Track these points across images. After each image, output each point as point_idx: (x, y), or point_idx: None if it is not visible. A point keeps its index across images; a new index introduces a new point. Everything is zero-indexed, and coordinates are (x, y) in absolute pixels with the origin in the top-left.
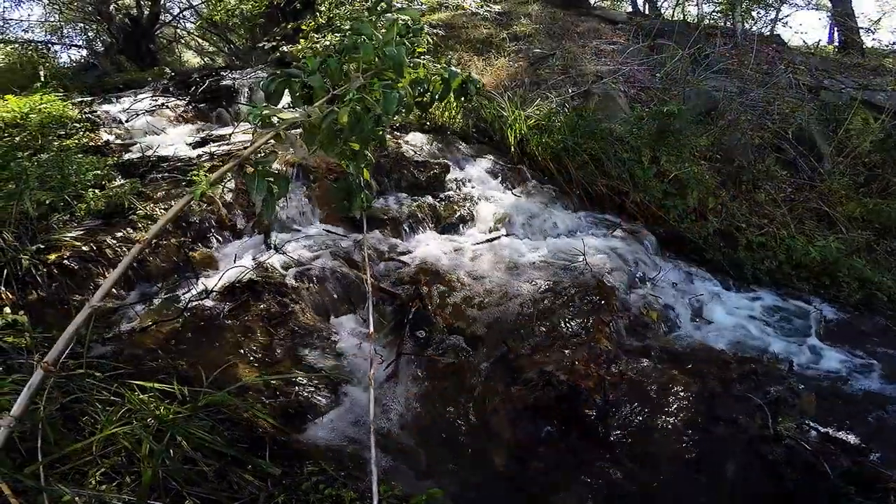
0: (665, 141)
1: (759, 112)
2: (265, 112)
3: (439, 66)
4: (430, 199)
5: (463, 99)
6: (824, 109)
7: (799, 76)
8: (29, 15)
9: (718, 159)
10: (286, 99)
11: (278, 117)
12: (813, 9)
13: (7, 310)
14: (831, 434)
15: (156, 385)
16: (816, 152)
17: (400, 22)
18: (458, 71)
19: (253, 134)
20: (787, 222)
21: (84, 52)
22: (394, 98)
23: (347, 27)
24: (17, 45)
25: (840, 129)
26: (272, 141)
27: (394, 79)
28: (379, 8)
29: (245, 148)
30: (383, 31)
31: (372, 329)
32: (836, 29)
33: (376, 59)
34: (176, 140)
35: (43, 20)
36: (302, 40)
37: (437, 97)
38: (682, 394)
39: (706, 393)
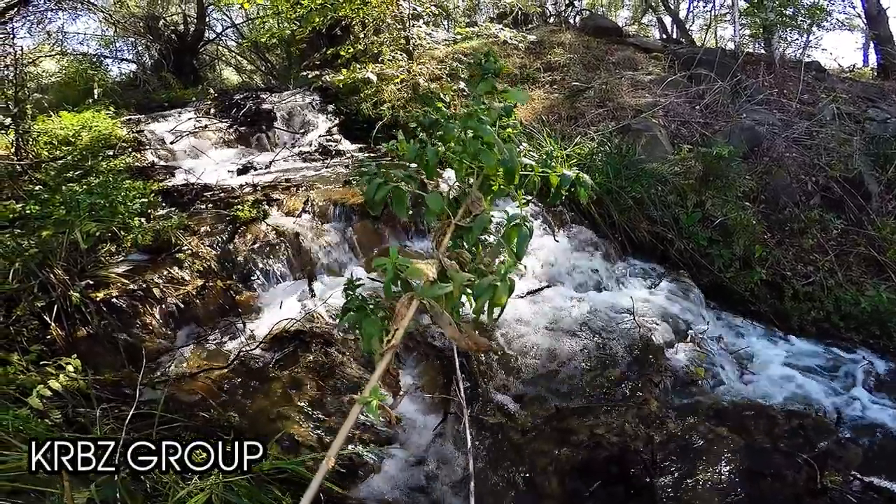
0: (712, 184)
1: (803, 148)
2: (398, 263)
3: (540, 158)
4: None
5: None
6: (871, 143)
7: (841, 106)
8: (85, 29)
9: (763, 200)
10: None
11: (417, 282)
12: (846, 30)
13: (70, 368)
14: (875, 483)
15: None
16: (864, 191)
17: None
18: (570, 174)
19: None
20: (834, 269)
21: (133, 67)
22: (526, 236)
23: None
24: (72, 58)
25: (889, 165)
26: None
27: (501, 184)
28: (479, 88)
29: (287, 181)
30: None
31: (470, 444)
32: (869, 50)
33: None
34: (218, 165)
35: (98, 34)
36: (343, 70)
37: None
38: (728, 450)
39: (753, 448)
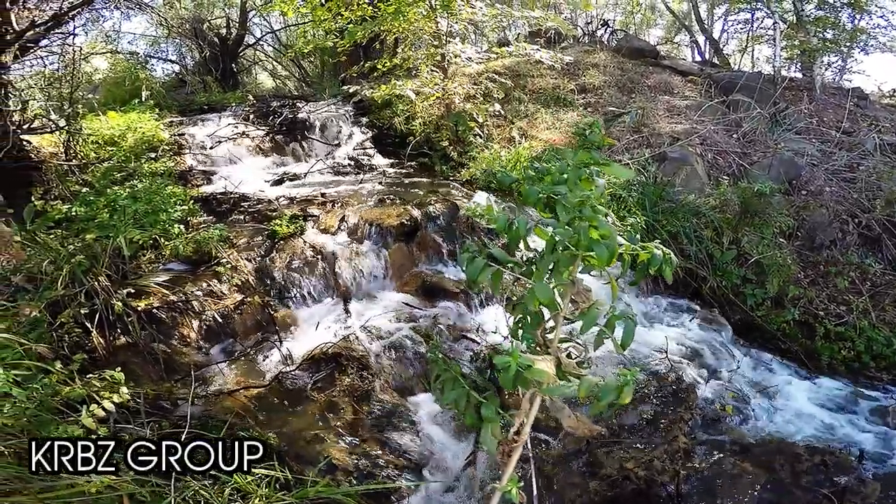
0: (749, 221)
1: (843, 181)
2: (521, 362)
3: (627, 232)
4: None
5: None
6: None
7: (884, 135)
8: (135, 29)
9: (799, 237)
10: None
11: (538, 381)
12: (886, 52)
13: (124, 389)
14: None
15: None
16: None
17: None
18: (660, 253)
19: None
20: (868, 310)
21: (175, 68)
22: (632, 330)
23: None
24: (122, 58)
25: None
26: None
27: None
28: (578, 158)
29: (323, 195)
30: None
31: (535, 491)
32: None
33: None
34: (254, 173)
35: (148, 35)
36: (382, 86)
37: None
38: (752, 485)
39: (776, 484)
